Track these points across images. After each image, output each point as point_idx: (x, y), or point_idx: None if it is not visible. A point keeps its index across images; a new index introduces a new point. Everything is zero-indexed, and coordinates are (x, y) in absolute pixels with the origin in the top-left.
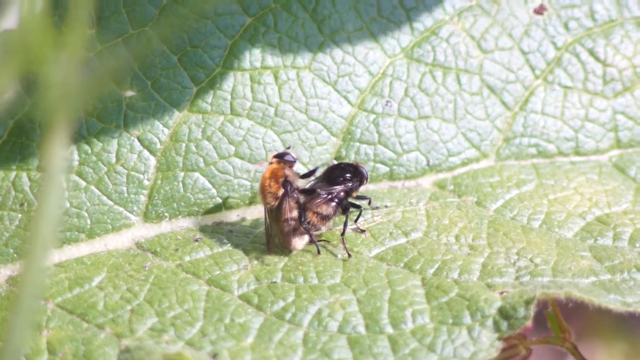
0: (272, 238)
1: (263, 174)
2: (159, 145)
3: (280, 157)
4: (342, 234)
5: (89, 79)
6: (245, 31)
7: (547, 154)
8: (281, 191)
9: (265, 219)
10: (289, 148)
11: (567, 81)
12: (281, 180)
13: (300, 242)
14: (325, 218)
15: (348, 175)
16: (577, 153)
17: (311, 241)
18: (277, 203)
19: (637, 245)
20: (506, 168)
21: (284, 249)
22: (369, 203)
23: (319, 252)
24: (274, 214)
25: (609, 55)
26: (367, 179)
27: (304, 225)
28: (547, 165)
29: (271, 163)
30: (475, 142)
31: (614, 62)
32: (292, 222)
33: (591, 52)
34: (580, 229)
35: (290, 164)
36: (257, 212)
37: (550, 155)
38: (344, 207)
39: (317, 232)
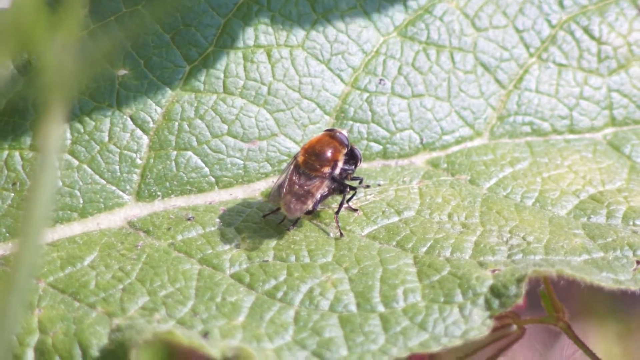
0: (280, 192)
1: (323, 137)
2: (151, 124)
3: (339, 139)
4: (337, 212)
5: (82, 58)
6: (239, 9)
7: (541, 132)
8: (327, 170)
9: (286, 170)
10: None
11: (562, 59)
12: (333, 161)
13: (301, 213)
14: (321, 199)
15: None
16: (572, 131)
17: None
18: (314, 174)
19: (631, 223)
20: (500, 146)
21: (288, 211)
22: (360, 182)
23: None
24: (300, 177)
25: (603, 33)
26: (361, 160)
27: (316, 207)
28: (541, 144)
29: (332, 136)
30: (469, 121)
31: (609, 39)
32: (311, 198)
33: (586, 30)
34: (573, 207)
35: (345, 148)
36: (249, 190)
37: (544, 134)
38: (340, 189)
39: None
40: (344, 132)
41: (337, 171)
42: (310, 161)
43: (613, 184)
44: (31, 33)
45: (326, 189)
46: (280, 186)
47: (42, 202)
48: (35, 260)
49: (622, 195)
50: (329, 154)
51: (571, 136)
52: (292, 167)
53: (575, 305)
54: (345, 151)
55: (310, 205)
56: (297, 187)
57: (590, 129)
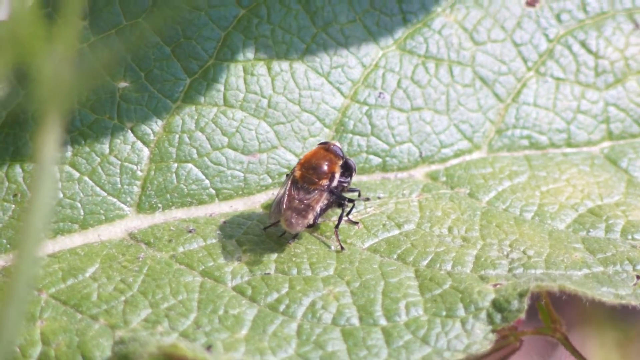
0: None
1: (318, 150)
2: (152, 137)
3: (334, 152)
4: (337, 226)
5: (82, 71)
6: (239, 23)
7: (539, 145)
8: (325, 183)
9: (285, 186)
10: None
11: (559, 73)
12: (330, 174)
13: (303, 227)
14: (321, 213)
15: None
16: (569, 145)
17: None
18: (312, 187)
19: (629, 237)
20: (498, 160)
21: (289, 226)
22: (359, 195)
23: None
24: (299, 191)
25: (600, 47)
26: (355, 171)
27: (317, 221)
28: (539, 157)
29: (326, 149)
30: (467, 134)
31: (606, 54)
32: (312, 212)
33: (583, 44)
34: (572, 221)
35: (341, 160)
36: (250, 202)
37: (542, 147)
38: (339, 202)
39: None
40: (338, 144)
41: (335, 183)
42: (307, 175)
43: (611, 198)
44: (30, 45)
45: (325, 202)
46: (280, 202)
47: (41, 213)
48: (35, 272)
49: (620, 209)
50: (325, 166)
51: (569, 150)
52: (289, 182)
53: (574, 314)
54: (341, 163)
55: (311, 219)
56: (296, 201)
57: (588, 143)
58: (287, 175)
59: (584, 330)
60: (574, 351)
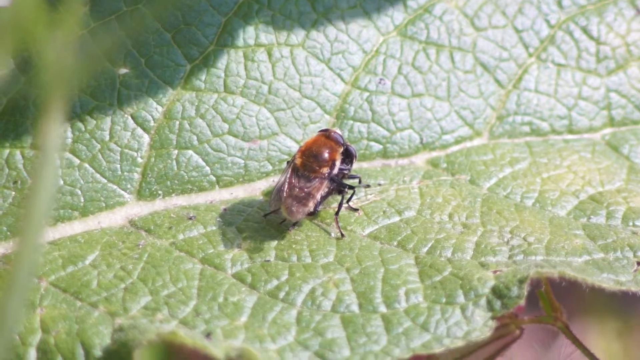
0: (281, 196)
1: (318, 138)
2: (152, 123)
3: (335, 139)
4: (337, 213)
5: (82, 57)
6: (239, 8)
7: (540, 132)
8: (326, 171)
9: (286, 174)
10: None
11: (561, 59)
12: (330, 161)
13: (303, 215)
14: (322, 200)
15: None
16: (571, 131)
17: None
18: (313, 175)
19: (630, 223)
20: (499, 146)
21: (289, 214)
22: (360, 182)
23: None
24: (300, 179)
25: (602, 33)
26: (356, 157)
27: (317, 209)
28: (540, 144)
29: (327, 136)
30: (468, 120)
31: (608, 40)
32: (312, 200)
33: (584, 30)
34: (573, 208)
35: (341, 148)
36: (250, 189)
37: (543, 134)
38: (339, 189)
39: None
40: (338, 131)
41: (336, 171)
42: (308, 163)
43: (612, 185)
44: (31, 31)
45: (326, 189)
46: (280, 190)
47: (42, 200)
48: (35, 259)
49: (622, 196)
50: (326, 154)
51: (570, 136)
52: (290, 170)
53: (575, 303)
54: (341, 150)
55: (311, 206)
56: (297, 189)
57: (589, 129)
58: (288, 162)
59: (585, 319)
60: (574, 340)
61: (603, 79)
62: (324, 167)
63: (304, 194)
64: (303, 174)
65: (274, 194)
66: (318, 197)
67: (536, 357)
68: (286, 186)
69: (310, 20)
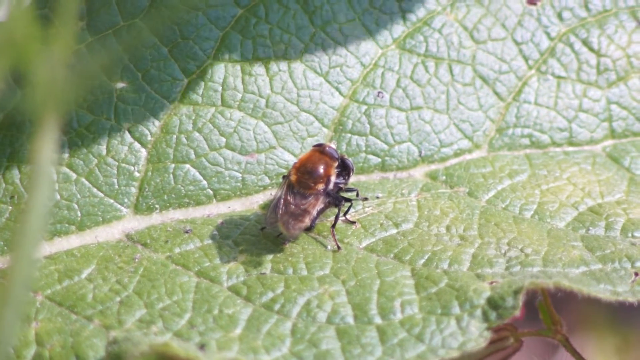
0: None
1: (313, 154)
2: (149, 137)
3: (330, 154)
4: (333, 225)
5: (79, 72)
6: (237, 22)
7: (540, 144)
8: (322, 187)
9: (281, 190)
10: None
11: (561, 71)
12: (326, 177)
13: (300, 231)
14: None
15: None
16: (571, 143)
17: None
18: (308, 192)
19: (629, 235)
20: (499, 159)
21: (287, 231)
22: (357, 195)
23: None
24: (295, 196)
25: (603, 45)
26: (353, 170)
27: (314, 224)
28: (540, 156)
29: (321, 152)
30: (467, 133)
31: (608, 52)
32: (308, 216)
33: (585, 42)
34: (572, 219)
35: (336, 162)
36: (248, 203)
37: (543, 146)
38: (335, 201)
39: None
40: (333, 145)
41: (331, 186)
42: (303, 180)
43: (612, 196)
44: (27, 46)
45: (322, 205)
46: (276, 207)
47: (38, 215)
48: (31, 274)
49: (621, 207)
50: (321, 170)
51: (570, 148)
52: (285, 187)
53: (573, 318)
54: (336, 165)
55: (308, 222)
56: (293, 207)
57: (590, 141)
58: (284, 177)
59: (584, 334)
60: (574, 353)
61: (604, 91)
62: (319, 184)
63: (300, 210)
64: (299, 192)
65: (270, 211)
66: (314, 212)
67: None
68: (282, 203)
69: (308, 34)
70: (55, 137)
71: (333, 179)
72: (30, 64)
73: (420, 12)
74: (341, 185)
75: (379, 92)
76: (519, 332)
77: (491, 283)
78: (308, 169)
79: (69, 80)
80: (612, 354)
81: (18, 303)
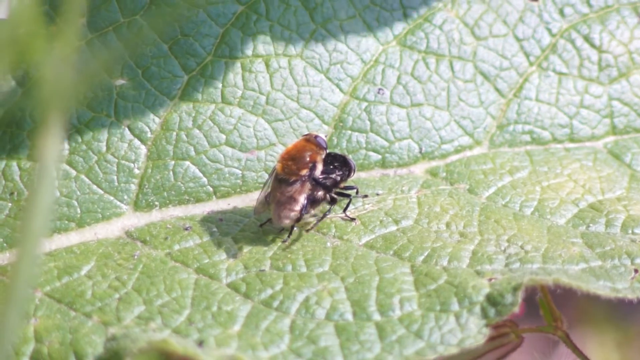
0: (267, 202)
1: (299, 142)
2: (149, 134)
3: (317, 142)
4: (328, 211)
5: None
6: (237, 19)
7: (541, 140)
8: (305, 172)
9: (268, 180)
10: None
11: (562, 68)
12: (310, 163)
13: (291, 221)
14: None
15: (336, 164)
16: (572, 140)
17: (297, 220)
18: (292, 178)
19: (630, 231)
20: (499, 155)
21: (277, 220)
22: (357, 192)
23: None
24: (281, 184)
25: (604, 42)
26: (354, 171)
27: (304, 213)
28: (541, 152)
29: (307, 139)
30: (468, 130)
31: (610, 48)
32: (296, 203)
33: (586, 39)
34: (572, 216)
35: (323, 151)
36: (248, 200)
37: (544, 142)
38: (331, 197)
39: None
40: (322, 135)
41: (318, 173)
42: (287, 166)
43: (613, 193)
44: (29, 44)
45: (310, 192)
46: (266, 197)
47: (40, 212)
48: (32, 270)
49: (622, 204)
50: (305, 156)
51: (571, 145)
52: (272, 177)
53: (573, 313)
54: (324, 153)
55: (297, 210)
56: (279, 194)
57: (591, 138)
58: (271, 171)
59: (584, 330)
60: (575, 349)
61: (605, 87)
62: (303, 169)
63: (286, 198)
64: (283, 179)
65: (260, 201)
66: (302, 199)
67: None
68: (269, 193)
69: (309, 31)
70: (59, 135)
71: (319, 166)
72: (34, 62)
73: (421, 9)
74: (337, 180)
75: (380, 89)
76: (520, 328)
77: (490, 280)
78: (292, 155)
79: (72, 78)
80: (612, 349)
81: (19, 300)
